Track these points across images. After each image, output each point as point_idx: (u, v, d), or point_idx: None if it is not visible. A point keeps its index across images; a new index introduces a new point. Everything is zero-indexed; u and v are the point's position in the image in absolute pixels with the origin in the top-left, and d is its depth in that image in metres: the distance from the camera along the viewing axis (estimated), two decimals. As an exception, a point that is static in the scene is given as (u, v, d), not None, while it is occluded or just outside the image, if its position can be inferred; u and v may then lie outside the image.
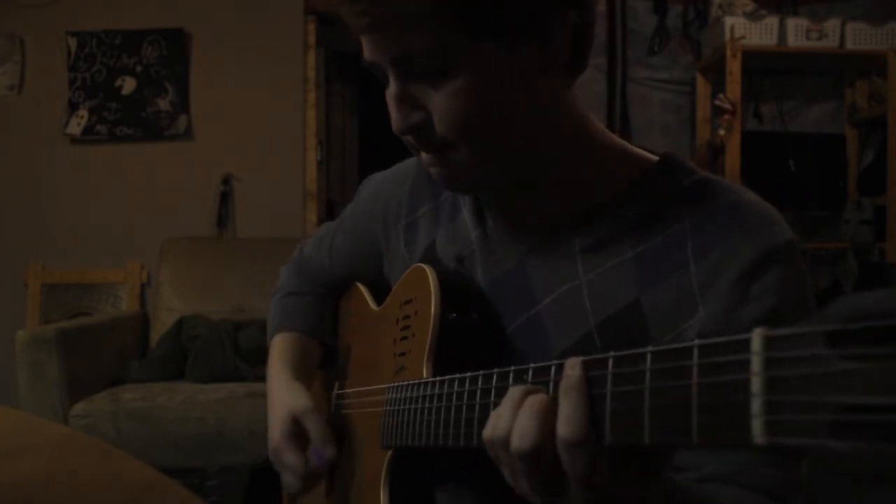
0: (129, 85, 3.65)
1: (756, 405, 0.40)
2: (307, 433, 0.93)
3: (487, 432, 0.59)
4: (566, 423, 0.53)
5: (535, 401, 0.55)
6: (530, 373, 0.60)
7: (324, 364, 1.10)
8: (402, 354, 0.83)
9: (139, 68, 3.65)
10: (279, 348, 1.06)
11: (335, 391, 1.06)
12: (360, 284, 1.05)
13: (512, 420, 0.56)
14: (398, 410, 0.79)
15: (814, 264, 3.46)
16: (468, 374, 0.67)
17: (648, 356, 0.48)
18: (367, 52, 0.70)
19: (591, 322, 0.73)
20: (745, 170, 3.32)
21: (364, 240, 1.01)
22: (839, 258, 3.51)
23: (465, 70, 0.66)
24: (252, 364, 2.93)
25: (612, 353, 0.52)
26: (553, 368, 0.57)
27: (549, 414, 0.55)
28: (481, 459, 0.63)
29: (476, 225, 0.84)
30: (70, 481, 0.81)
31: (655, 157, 0.77)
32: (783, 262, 0.69)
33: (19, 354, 2.64)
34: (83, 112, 3.64)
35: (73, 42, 3.63)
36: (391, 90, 0.70)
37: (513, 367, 0.62)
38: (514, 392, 0.57)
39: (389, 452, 0.82)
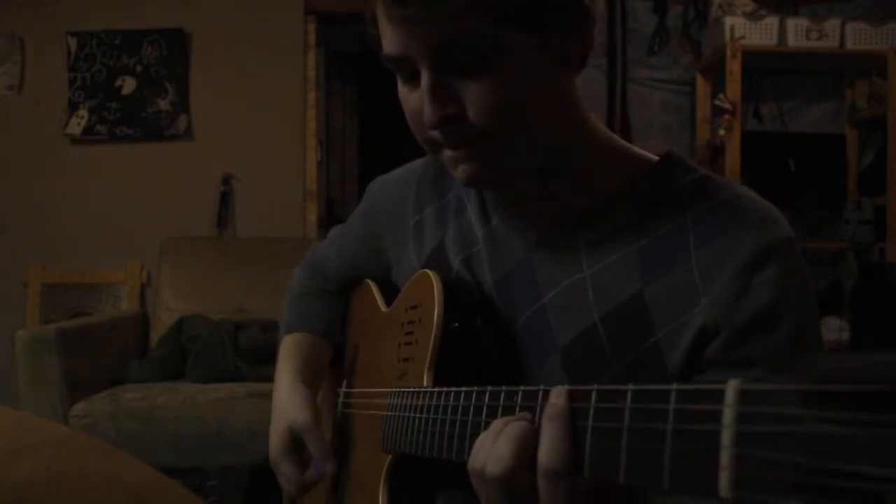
0: (129, 85, 3.65)
1: (725, 458, 0.40)
2: (307, 449, 0.94)
3: (470, 462, 0.59)
4: (547, 452, 0.53)
5: (515, 427, 0.56)
6: (520, 395, 0.60)
7: (335, 361, 1.10)
8: (406, 360, 0.84)
9: (139, 68, 3.65)
10: (288, 350, 1.05)
11: (342, 389, 1.06)
12: (370, 282, 1.05)
13: (490, 448, 0.56)
14: (398, 417, 0.80)
15: (814, 264, 3.46)
16: (463, 389, 0.67)
17: (629, 394, 0.48)
18: (396, 45, 0.69)
19: (595, 315, 0.73)
20: (745, 170, 3.32)
21: (366, 242, 1.01)
22: (839, 258, 3.51)
23: (505, 61, 0.67)
24: (252, 364, 2.93)
25: (595, 386, 0.52)
26: (540, 394, 0.57)
27: (527, 441, 0.55)
28: None
29: (482, 224, 0.84)
30: (70, 481, 0.81)
31: (656, 157, 0.78)
32: (784, 256, 0.69)
33: (19, 354, 2.64)
34: (83, 112, 3.64)
35: (73, 42, 3.63)
36: (425, 83, 0.69)
37: (504, 388, 0.62)
38: (496, 423, 0.58)
39: (389, 456, 0.82)
